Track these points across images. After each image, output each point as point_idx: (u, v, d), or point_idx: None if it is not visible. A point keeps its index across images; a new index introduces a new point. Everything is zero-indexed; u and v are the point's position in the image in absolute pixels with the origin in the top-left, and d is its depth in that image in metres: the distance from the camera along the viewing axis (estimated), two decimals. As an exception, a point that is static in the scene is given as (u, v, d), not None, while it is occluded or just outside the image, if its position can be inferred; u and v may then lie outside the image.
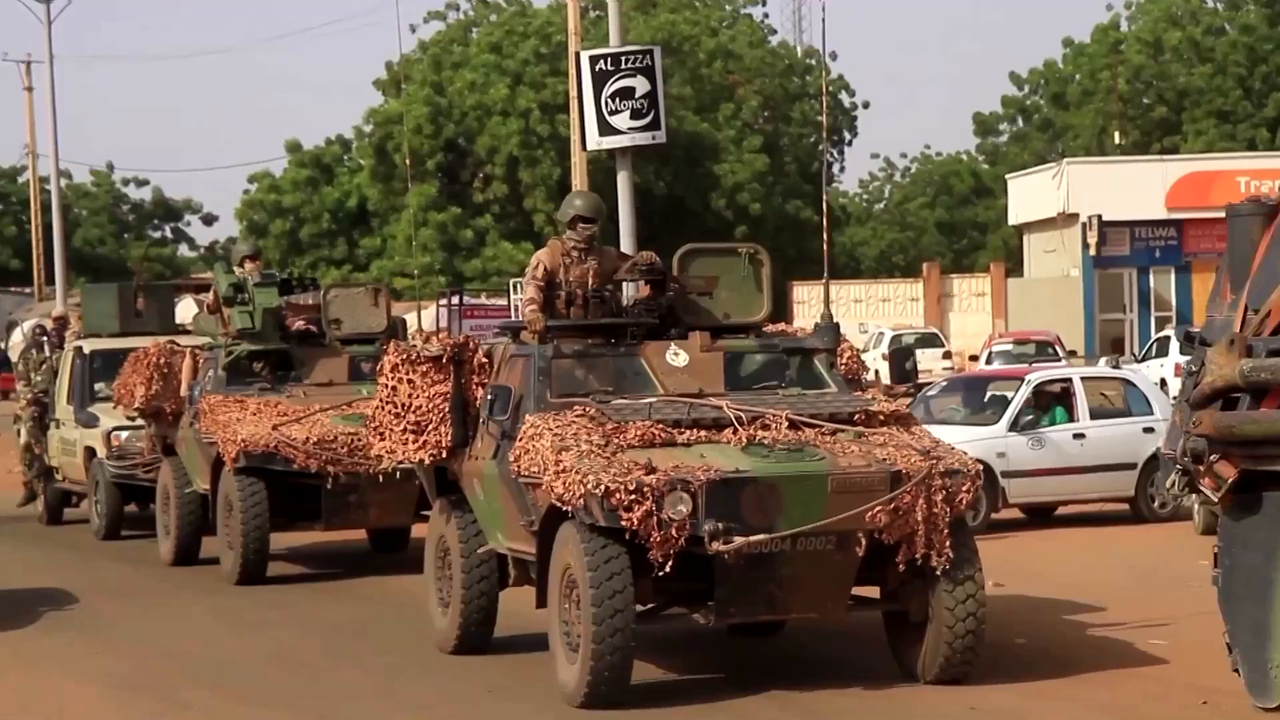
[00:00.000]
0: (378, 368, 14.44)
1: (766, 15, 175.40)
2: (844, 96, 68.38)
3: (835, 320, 13.85)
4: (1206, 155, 60.86)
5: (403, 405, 13.78)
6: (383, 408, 13.93)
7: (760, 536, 11.61)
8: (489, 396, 13.16)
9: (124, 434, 22.58)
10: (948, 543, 11.81)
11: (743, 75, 66.16)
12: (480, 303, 52.57)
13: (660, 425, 12.22)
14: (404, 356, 13.76)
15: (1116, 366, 31.75)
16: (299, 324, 19.83)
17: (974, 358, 49.53)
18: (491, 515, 13.37)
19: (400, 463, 14.02)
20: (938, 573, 11.88)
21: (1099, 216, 55.34)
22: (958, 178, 73.07)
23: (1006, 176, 62.93)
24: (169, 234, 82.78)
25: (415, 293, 62.46)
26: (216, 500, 18.56)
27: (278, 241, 64.29)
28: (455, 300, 49.91)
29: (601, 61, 34.02)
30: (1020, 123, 71.40)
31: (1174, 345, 41.00)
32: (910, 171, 79.36)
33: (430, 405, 13.68)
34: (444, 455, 13.72)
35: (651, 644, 13.12)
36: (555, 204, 61.81)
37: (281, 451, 17.73)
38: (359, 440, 17.13)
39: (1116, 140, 63.32)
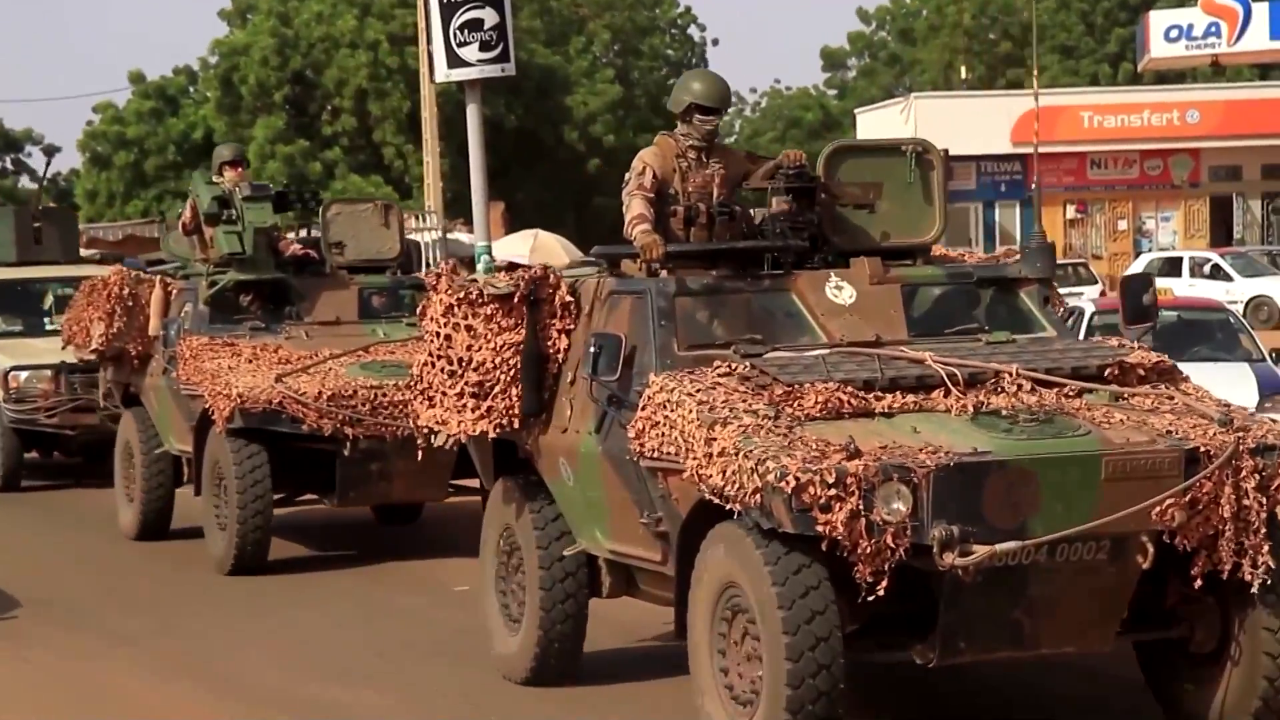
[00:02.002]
0: (421, 310, 10.43)
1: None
2: (694, 31, 64.99)
3: (1049, 240, 10.09)
4: (1051, 90, 58.92)
5: (459, 361, 9.92)
6: (432, 364, 10.04)
7: (1009, 545, 7.85)
8: (591, 349, 9.29)
9: (23, 374, 18.78)
10: (1265, 547, 8.13)
11: (592, 8, 62.50)
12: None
13: (849, 389, 8.48)
14: (461, 296, 9.89)
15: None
16: (295, 248, 15.42)
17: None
18: (588, 507, 9.57)
19: (455, 436, 10.12)
20: (1253, 588, 8.19)
21: (946, 151, 51.23)
22: (807, 111, 69.94)
23: (855, 111, 60.27)
24: (9, 165, 77.12)
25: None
26: (201, 467, 14.28)
27: (121, 174, 59.72)
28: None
29: None
30: (868, 58, 68.46)
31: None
32: (760, 106, 76.15)
33: (497, 360, 9.84)
34: (514, 426, 9.93)
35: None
36: (405, 137, 58.45)
37: (288, 409, 13.40)
38: (383, 395, 13.26)
39: (963, 75, 60.56)
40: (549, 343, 9.81)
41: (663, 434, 8.55)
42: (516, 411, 9.81)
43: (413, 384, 10.26)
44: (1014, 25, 63.43)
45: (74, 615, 12.71)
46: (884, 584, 7.80)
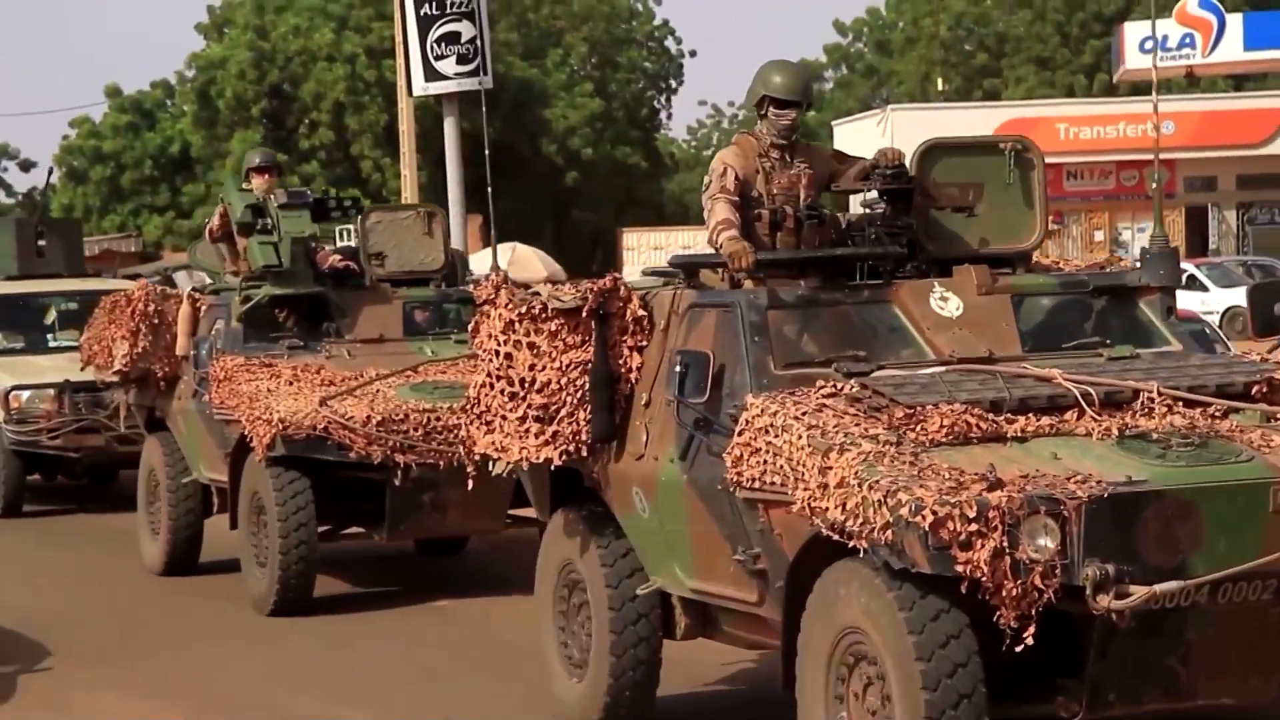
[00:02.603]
0: (474, 326, 9.33)
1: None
2: (671, 43, 63.91)
3: (1171, 244, 9.09)
4: (1027, 102, 58.33)
5: (521, 382, 8.87)
6: (490, 385, 8.99)
7: (1170, 585, 6.81)
8: (677, 368, 8.25)
9: (24, 393, 17.46)
10: None
11: (570, 20, 61.43)
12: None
13: (977, 411, 7.46)
14: (523, 311, 8.84)
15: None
16: (334, 259, 14.04)
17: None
18: (667, 542, 8.52)
19: (518, 464, 9.05)
20: None
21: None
22: (784, 123, 68.86)
23: (832, 122, 59.37)
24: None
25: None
26: (237, 498, 13.01)
27: (98, 188, 58.45)
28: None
29: (426, 6, 32.38)
30: (844, 69, 67.53)
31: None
32: (738, 118, 74.86)
33: (563, 381, 8.79)
34: (581, 453, 8.88)
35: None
36: (382, 150, 57.49)
37: (334, 435, 12.09)
38: (436, 419, 12.06)
39: (939, 87, 59.70)
40: (619, 361, 8.78)
41: (765, 462, 7.52)
42: (585, 437, 8.76)
43: (469, 407, 9.17)
44: (990, 37, 62.60)
45: (111, 662, 11.49)
46: (1031, 631, 6.78)
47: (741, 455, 7.67)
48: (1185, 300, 39.61)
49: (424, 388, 12.58)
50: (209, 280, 14.83)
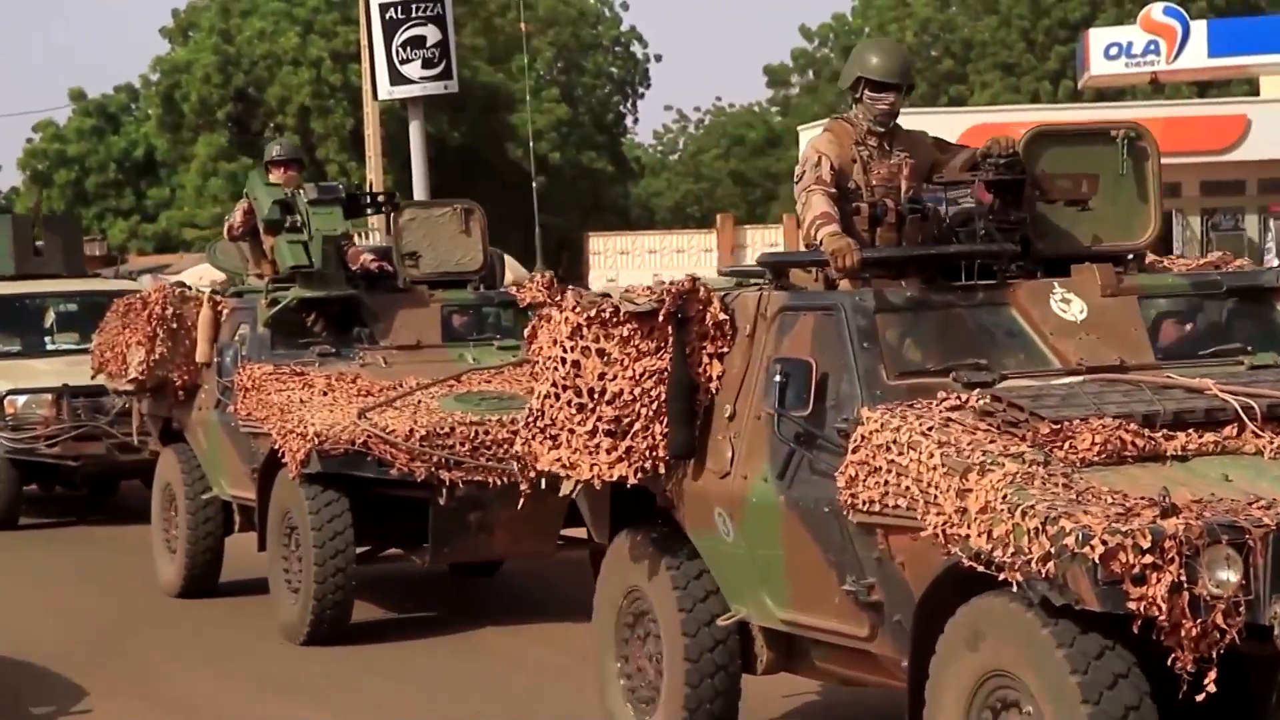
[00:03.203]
0: (531, 332, 8.34)
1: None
2: (636, 48, 62.86)
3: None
4: (992, 108, 57.67)
5: (590, 392, 7.92)
6: (556, 396, 8.03)
7: (1363, 625, 5.97)
8: (776, 378, 7.29)
9: (20, 398, 16.29)
10: None
11: (536, 25, 60.35)
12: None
13: (1131, 426, 6.55)
14: (592, 314, 7.90)
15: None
16: (366, 259, 12.89)
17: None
18: (756, 568, 7.58)
19: (586, 482, 8.08)
20: None
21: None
22: (750, 129, 67.92)
23: (799, 128, 58.47)
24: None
25: (206, 243, 56.69)
26: (266, 518, 11.90)
27: (62, 192, 57.12)
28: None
29: (392, 10, 31.76)
30: (811, 75, 66.58)
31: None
32: (704, 123, 74.02)
33: (636, 391, 7.84)
34: (657, 470, 7.94)
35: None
36: (348, 155, 56.55)
37: (375, 451, 10.99)
38: (485, 433, 10.99)
39: (905, 92, 58.72)
40: (698, 370, 7.84)
41: (886, 482, 6.60)
42: (661, 453, 7.82)
43: (531, 419, 8.20)
44: (955, 43, 61.71)
45: (148, 698, 10.42)
46: (1212, 675, 5.87)
47: (857, 475, 6.75)
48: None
49: (469, 398, 11.53)
50: (204, 283, 13.80)
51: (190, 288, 13.72)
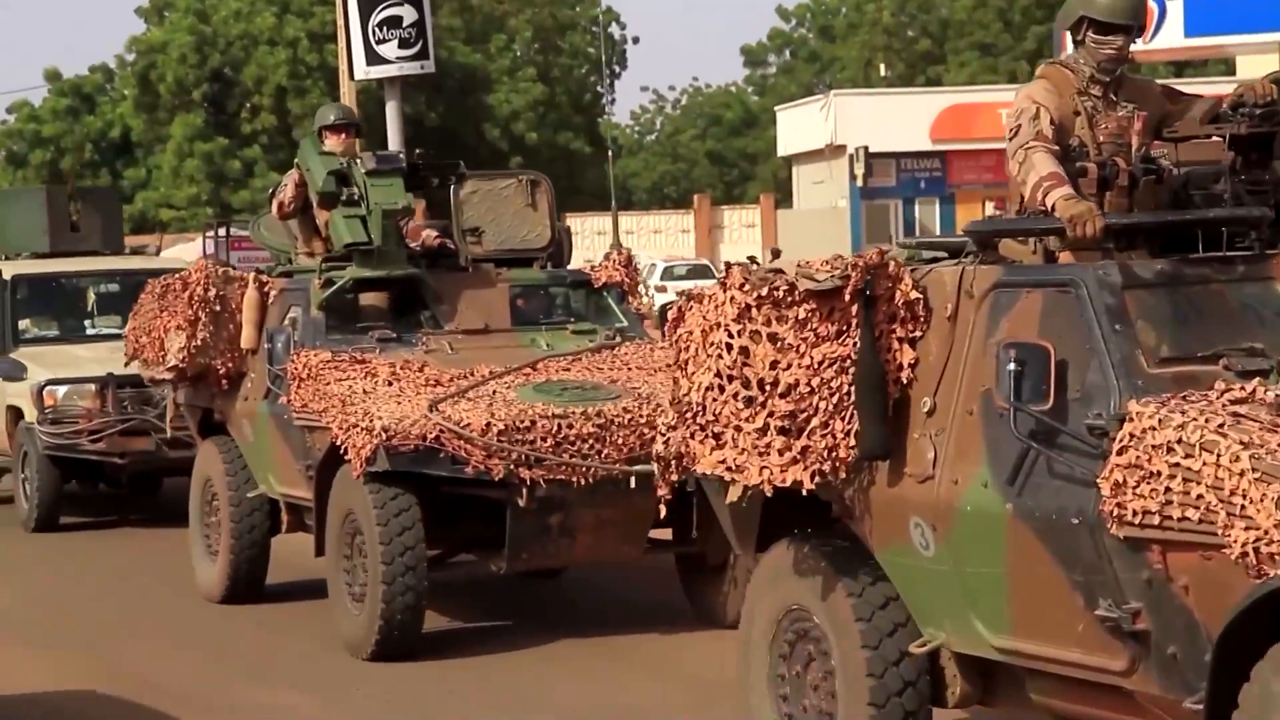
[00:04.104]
0: (675, 315, 7.07)
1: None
2: (615, 29, 61.55)
3: None
4: (969, 88, 56.79)
5: (761, 383, 6.68)
6: (719, 387, 6.77)
7: None
8: (1010, 366, 6.04)
9: (61, 389, 14.52)
10: None
11: (512, 5, 59.11)
12: (249, 234, 46.16)
13: None
14: (764, 293, 6.65)
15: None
16: (428, 235, 11.50)
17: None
18: (970, 587, 6.32)
19: (757, 486, 6.83)
20: None
21: (865, 148, 50.19)
22: (728, 109, 66.63)
23: (775, 108, 57.50)
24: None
25: (183, 224, 55.34)
26: (324, 520, 10.49)
27: (38, 172, 55.67)
28: (222, 232, 43.26)
29: None
30: (788, 55, 65.37)
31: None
32: (680, 104, 72.60)
33: (814, 382, 6.60)
34: (838, 473, 6.70)
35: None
36: None
37: (448, 447, 9.70)
38: (568, 427, 9.74)
39: (882, 72, 57.85)
40: (887, 356, 6.61)
41: (1168, 489, 5.39)
42: (842, 453, 6.59)
43: (686, 414, 6.94)
44: (933, 23, 60.67)
45: None
46: None
47: (1124, 481, 5.53)
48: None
49: (549, 389, 10.23)
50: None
51: (234, 267, 12.38)
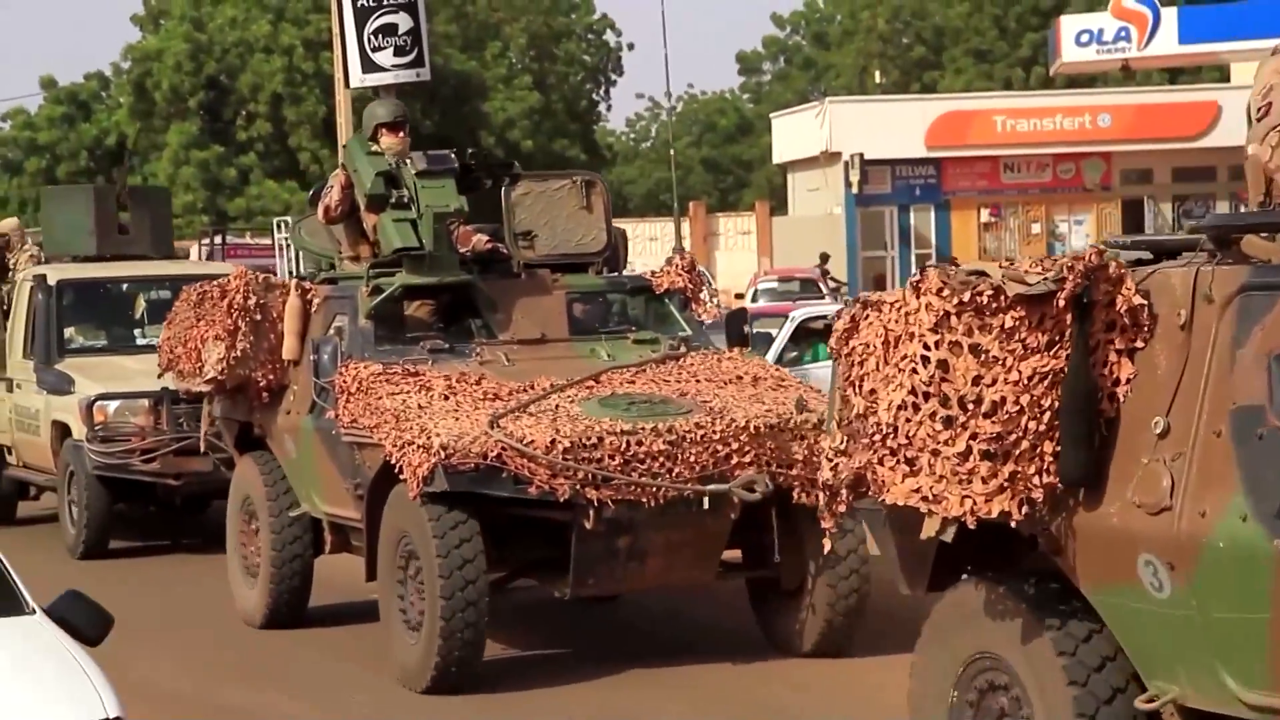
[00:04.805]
0: (847, 326, 6.17)
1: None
2: (610, 35, 60.74)
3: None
4: (964, 95, 56.22)
5: (960, 401, 5.77)
6: (914, 406, 5.85)
7: None
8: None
9: (112, 404, 13.46)
10: None
11: (508, 13, 58.30)
12: (244, 242, 45.57)
13: None
14: (965, 299, 5.74)
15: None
16: (479, 239, 10.77)
17: (740, 295, 43.03)
18: (1225, 638, 5.41)
19: (956, 520, 5.93)
20: None
21: (861, 155, 49.52)
22: (722, 116, 65.78)
23: (770, 115, 56.78)
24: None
25: (178, 232, 54.51)
26: (375, 543, 9.72)
27: (33, 180, 54.95)
28: (219, 240, 42.69)
29: None
30: (783, 62, 64.55)
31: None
32: (676, 111, 71.79)
33: (1024, 400, 5.70)
34: (1047, 503, 5.80)
35: None
36: (320, 142, 54.61)
37: (511, 466, 8.97)
38: (638, 444, 9.00)
39: (877, 79, 57.14)
40: (1102, 370, 5.72)
41: None
42: (1050, 480, 5.69)
43: (871, 436, 6.02)
44: (927, 30, 59.91)
45: None
46: None
47: None
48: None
49: (615, 403, 9.46)
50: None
51: (274, 273, 11.49)
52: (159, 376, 12.22)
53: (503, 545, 9.56)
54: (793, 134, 53.15)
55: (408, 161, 10.45)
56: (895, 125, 50.15)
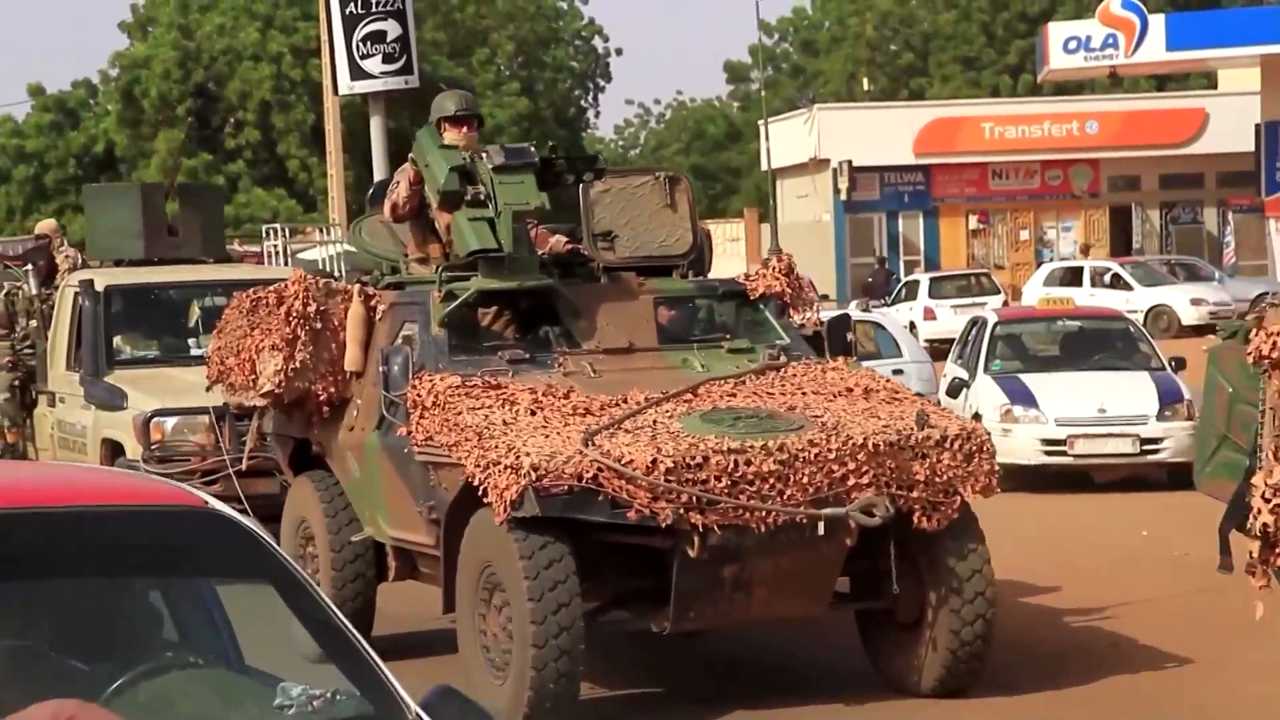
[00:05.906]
0: (1264, 335, 5.16)
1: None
2: (598, 42, 59.85)
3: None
4: (952, 102, 55.83)
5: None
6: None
7: None
8: None
9: (169, 421, 12.10)
10: None
11: (495, 20, 57.49)
12: (232, 249, 44.98)
13: None
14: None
15: (867, 310, 26.48)
16: (557, 240, 9.86)
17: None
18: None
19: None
20: None
21: (849, 162, 49.04)
22: (711, 123, 64.98)
23: (759, 122, 56.11)
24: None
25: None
26: (454, 572, 8.76)
27: (21, 188, 54.13)
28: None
29: (351, 5, 30.75)
30: (771, 69, 63.84)
31: (923, 288, 39.37)
32: (664, 117, 70.93)
33: None
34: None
35: None
36: (309, 150, 53.94)
37: (608, 488, 8.09)
38: (746, 464, 8.08)
39: (865, 86, 56.52)
40: None
41: None
42: None
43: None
44: (915, 37, 59.21)
45: None
46: None
47: None
48: (1110, 299, 37.19)
49: (719, 418, 8.50)
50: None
51: (336, 278, 10.46)
52: (207, 390, 11.09)
53: (594, 575, 8.57)
54: (781, 140, 52.42)
55: (483, 156, 9.47)
56: (883, 132, 49.64)
